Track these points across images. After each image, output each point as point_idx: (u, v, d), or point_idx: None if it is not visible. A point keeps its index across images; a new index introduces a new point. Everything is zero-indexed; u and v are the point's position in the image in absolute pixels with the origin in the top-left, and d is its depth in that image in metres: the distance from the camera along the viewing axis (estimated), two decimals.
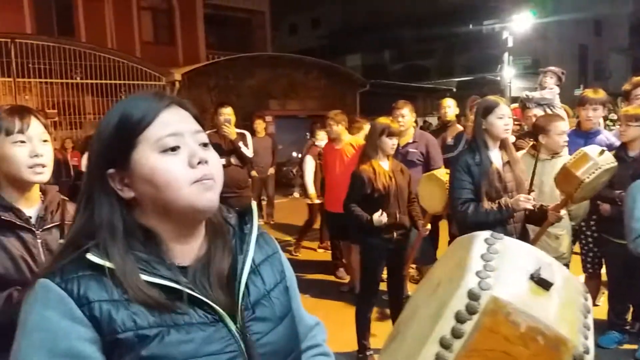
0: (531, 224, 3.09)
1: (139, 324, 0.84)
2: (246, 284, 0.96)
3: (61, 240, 1.64)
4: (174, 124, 0.92)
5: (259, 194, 8.36)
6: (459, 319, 0.74)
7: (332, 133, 5.14)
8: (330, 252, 6.10)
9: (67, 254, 0.89)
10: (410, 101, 4.82)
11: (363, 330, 3.67)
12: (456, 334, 0.74)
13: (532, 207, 2.87)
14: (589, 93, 4.11)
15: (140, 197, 0.92)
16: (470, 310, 0.74)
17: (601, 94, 4.07)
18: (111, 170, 0.91)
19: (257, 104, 13.92)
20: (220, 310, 0.91)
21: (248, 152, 5.12)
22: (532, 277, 0.78)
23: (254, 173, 7.01)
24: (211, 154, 0.94)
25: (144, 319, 0.85)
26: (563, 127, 3.49)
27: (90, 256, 0.86)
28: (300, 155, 12.55)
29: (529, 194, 2.93)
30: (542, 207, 2.96)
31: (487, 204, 2.86)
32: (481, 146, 2.95)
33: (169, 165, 0.89)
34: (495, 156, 2.99)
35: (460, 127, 5.51)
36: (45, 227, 1.64)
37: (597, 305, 4.30)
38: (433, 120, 15.60)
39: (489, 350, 0.73)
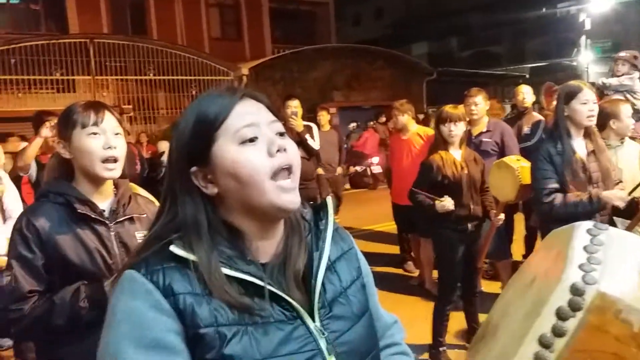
0: (619, 217, 2.88)
1: (220, 321, 0.84)
2: (322, 282, 0.95)
3: (139, 234, 1.68)
4: (249, 115, 0.92)
5: (327, 193, 7.46)
6: (561, 316, 0.68)
7: (399, 123, 5.03)
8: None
9: (152, 246, 0.90)
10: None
11: (439, 326, 3.56)
12: (557, 332, 0.68)
13: (623, 205, 2.68)
14: None
15: (223, 192, 0.92)
16: (574, 307, 0.68)
17: None
18: (194, 168, 0.92)
19: (321, 96, 13.97)
20: (299, 308, 0.90)
21: (315, 144, 5.15)
22: None
23: (320, 171, 6.34)
24: (289, 142, 0.94)
25: (224, 316, 0.85)
26: (629, 109, 3.37)
27: (174, 248, 0.87)
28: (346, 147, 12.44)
29: (617, 185, 2.73)
30: (633, 199, 2.74)
31: (575, 194, 2.69)
32: (563, 134, 2.77)
33: (249, 155, 0.89)
34: (579, 145, 2.80)
35: (537, 115, 5.24)
36: (117, 220, 1.68)
37: None
38: (505, 108, 15.01)
39: (596, 351, 0.67)
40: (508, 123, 4.91)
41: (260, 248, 0.94)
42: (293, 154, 0.93)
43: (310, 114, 6.12)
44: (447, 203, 3.32)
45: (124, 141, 1.72)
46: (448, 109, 3.51)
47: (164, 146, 9.72)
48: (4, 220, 3.27)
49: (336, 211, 6.78)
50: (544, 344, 0.69)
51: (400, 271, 5.66)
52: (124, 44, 12.29)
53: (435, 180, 3.43)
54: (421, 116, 12.00)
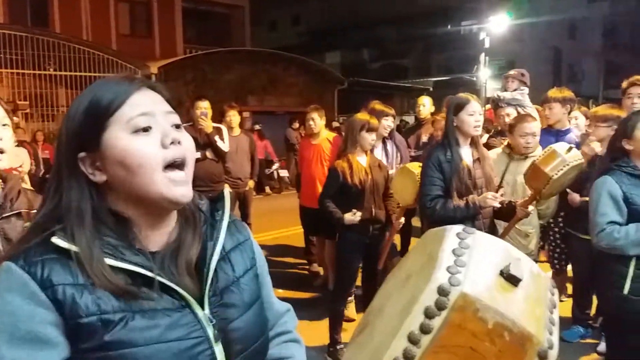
0: (500, 220, 3.14)
1: (103, 309, 0.83)
2: (215, 271, 0.96)
3: (26, 225, 1.60)
4: (145, 104, 0.91)
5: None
6: (428, 314, 0.74)
7: (316, 127, 5.09)
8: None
9: (33, 237, 0.88)
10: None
11: (335, 324, 3.68)
12: (424, 330, 0.74)
13: (499, 205, 2.91)
14: (550, 92, 4.22)
15: (111, 180, 0.90)
16: (440, 306, 0.74)
17: (560, 93, 4.17)
18: (82, 154, 0.90)
19: (234, 99, 13.81)
20: (188, 296, 0.90)
21: (224, 146, 5.11)
22: (501, 273, 0.79)
23: (227, 187, 5.09)
24: (184, 135, 0.94)
25: (107, 304, 0.84)
26: (528, 128, 3.58)
27: (55, 239, 0.85)
28: None
29: (497, 190, 2.97)
30: (510, 202, 3.00)
31: (455, 201, 2.90)
32: (452, 143, 2.99)
33: (141, 145, 0.88)
34: (466, 153, 3.02)
35: None
36: (4, 215, 1.60)
37: (562, 301, 4.38)
38: (410, 119, 15.72)
39: (456, 347, 0.73)
40: (409, 132, 5.18)
41: (150, 237, 0.94)
42: (188, 147, 0.93)
43: (222, 117, 5.91)
44: (355, 218, 3.44)
45: (12, 132, 1.63)
46: (373, 120, 3.64)
47: None
48: None
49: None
50: (412, 340, 0.74)
51: (305, 272, 5.77)
52: (21, 35, 11.44)
53: (343, 185, 3.54)
54: (335, 124, 12.40)
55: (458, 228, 0.86)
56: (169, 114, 0.94)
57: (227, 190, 1.09)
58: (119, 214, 0.92)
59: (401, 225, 3.86)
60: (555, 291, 0.88)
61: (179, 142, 0.91)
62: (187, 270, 0.93)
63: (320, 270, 5.59)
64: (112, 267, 0.86)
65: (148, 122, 0.90)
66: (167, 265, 0.92)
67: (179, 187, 0.90)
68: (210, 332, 0.92)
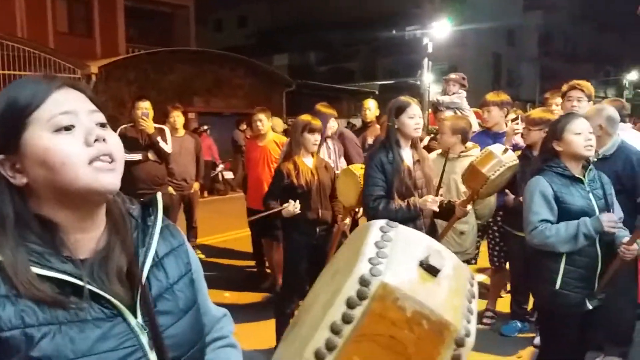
0: (439, 219, 3.23)
1: (27, 322, 0.80)
2: (148, 278, 0.94)
3: None
4: (67, 103, 0.88)
5: (175, 218, 5.76)
6: (350, 304, 0.75)
7: (263, 129, 5.08)
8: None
9: None
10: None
11: (282, 326, 3.67)
12: (346, 319, 0.75)
13: (437, 209, 2.99)
14: (488, 95, 4.40)
15: (34, 182, 0.87)
16: (361, 296, 0.75)
17: (497, 97, 4.35)
18: (0, 157, 0.86)
19: (179, 100, 13.57)
20: (120, 305, 0.88)
21: (167, 147, 5.00)
22: (421, 264, 0.81)
23: (170, 190, 5.37)
24: (109, 133, 0.91)
25: (32, 317, 0.80)
26: (447, 128, 3.81)
27: None
28: None
29: (437, 190, 3.06)
30: (449, 202, 3.10)
31: (397, 202, 2.96)
32: (393, 145, 3.05)
33: (63, 144, 0.85)
34: (407, 154, 3.10)
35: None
36: None
37: (502, 297, 4.55)
38: (357, 122, 15.92)
39: (377, 335, 0.75)
40: (355, 134, 5.25)
41: (79, 242, 0.90)
42: (114, 146, 0.90)
43: (166, 118, 5.80)
44: (291, 207, 3.43)
45: None
46: (315, 120, 3.67)
47: None
48: None
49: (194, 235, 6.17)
50: (334, 330, 0.75)
51: (254, 275, 5.74)
52: None
53: (288, 186, 3.54)
54: (284, 126, 12.38)
55: (382, 222, 0.88)
56: (93, 112, 0.91)
57: (159, 194, 1.06)
58: (44, 218, 0.88)
59: (346, 226, 3.89)
60: (475, 282, 0.92)
61: (103, 140, 0.88)
62: (117, 278, 0.90)
63: (269, 272, 5.57)
64: (38, 275, 0.82)
65: (70, 120, 0.87)
66: (97, 273, 0.89)
67: (105, 175, 0.87)
68: (145, 340, 0.90)
